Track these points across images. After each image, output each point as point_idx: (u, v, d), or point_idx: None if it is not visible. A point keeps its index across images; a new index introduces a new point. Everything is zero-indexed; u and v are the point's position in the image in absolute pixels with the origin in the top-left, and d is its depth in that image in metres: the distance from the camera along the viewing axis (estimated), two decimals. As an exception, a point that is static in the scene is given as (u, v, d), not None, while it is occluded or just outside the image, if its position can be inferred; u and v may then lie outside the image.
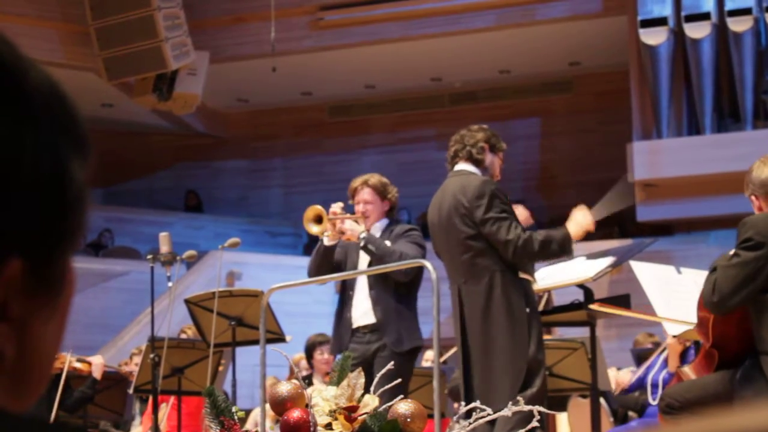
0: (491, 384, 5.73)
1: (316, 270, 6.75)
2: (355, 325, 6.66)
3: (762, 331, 4.57)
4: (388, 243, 6.63)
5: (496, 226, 5.78)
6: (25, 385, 0.89)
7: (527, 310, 5.78)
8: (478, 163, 6.06)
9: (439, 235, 6.06)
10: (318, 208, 6.70)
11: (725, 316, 4.77)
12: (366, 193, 6.79)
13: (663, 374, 7.72)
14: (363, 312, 6.65)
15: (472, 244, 5.84)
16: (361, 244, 6.57)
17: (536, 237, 5.80)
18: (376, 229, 6.75)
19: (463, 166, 6.09)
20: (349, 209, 6.88)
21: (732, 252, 4.66)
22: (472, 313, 5.82)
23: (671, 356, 7.60)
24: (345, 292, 6.82)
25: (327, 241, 6.71)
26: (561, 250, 5.87)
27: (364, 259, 6.73)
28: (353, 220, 6.70)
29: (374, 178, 6.85)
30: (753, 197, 4.77)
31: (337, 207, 6.75)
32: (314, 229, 6.70)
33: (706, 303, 4.65)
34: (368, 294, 6.63)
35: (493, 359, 5.74)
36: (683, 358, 7.54)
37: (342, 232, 6.66)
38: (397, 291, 6.60)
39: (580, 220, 6.00)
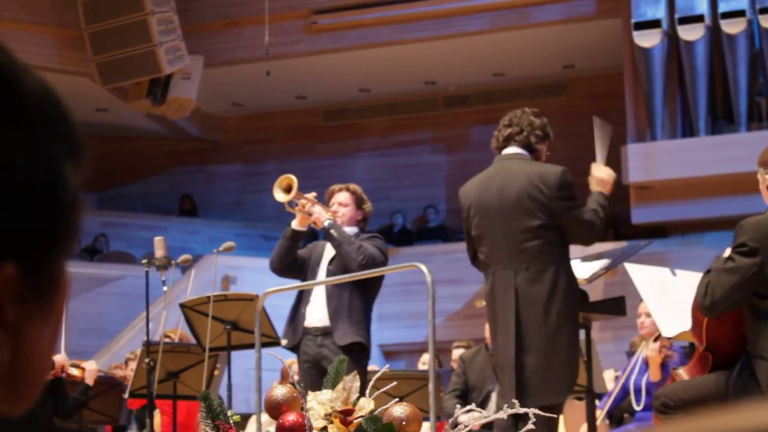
0: (552, 374, 5.60)
1: (279, 254, 6.88)
2: (307, 323, 6.74)
3: (757, 336, 4.57)
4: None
5: (578, 212, 5.75)
6: (19, 390, 0.89)
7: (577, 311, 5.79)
8: (531, 150, 5.97)
9: (495, 216, 5.82)
10: (291, 178, 6.84)
11: (719, 320, 4.78)
12: (343, 196, 6.95)
13: (645, 378, 7.72)
14: (317, 308, 6.74)
15: (544, 233, 5.70)
16: (325, 224, 6.69)
17: (598, 213, 5.83)
18: None
19: (515, 149, 5.93)
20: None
21: (726, 254, 4.66)
22: (532, 301, 5.65)
23: (652, 367, 7.62)
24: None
25: (295, 225, 6.85)
26: (607, 211, 5.92)
27: (327, 255, 6.84)
28: (325, 211, 6.83)
29: (354, 186, 7.03)
30: None
31: (311, 195, 6.91)
32: (280, 196, 6.80)
33: (698, 305, 4.66)
34: (324, 288, 6.72)
35: (557, 349, 5.62)
36: (663, 367, 7.57)
37: (309, 214, 6.82)
38: (353, 290, 6.67)
39: (600, 175, 6.02)
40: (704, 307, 4.60)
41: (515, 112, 6.01)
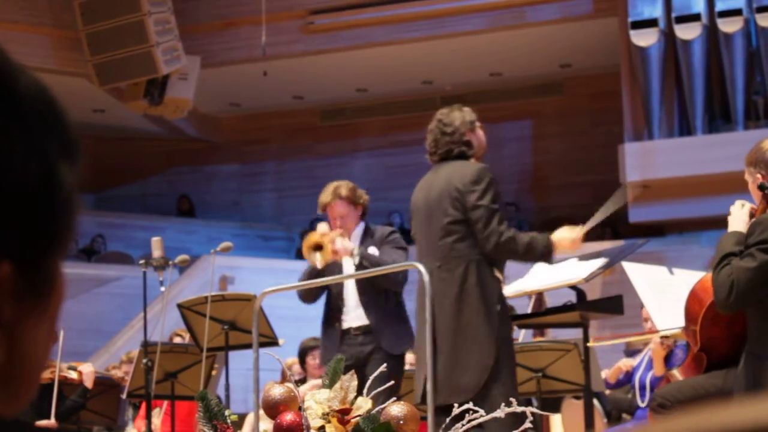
0: (457, 375, 5.65)
1: (308, 293, 6.78)
2: (346, 325, 6.68)
3: (763, 335, 4.53)
4: (375, 251, 6.68)
5: (486, 214, 5.69)
6: (14, 390, 0.89)
7: (498, 307, 5.73)
8: (461, 155, 5.97)
9: (422, 218, 5.93)
10: (315, 237, 6.65)
11: (714, 320, 4.76)
12: (339, 206, 6.76)
13: (650, 375, 7.73)
14: (353, 309, 6.68)
15: (455, 229, 5.73)
16: (356, 261, 6.60)
17: (521, 238, 5.72)
18: (356, 237, 6.78)
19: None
20: (323, 218, 6.92)
21: (744, 248, 4.59)
22: (443, 300, 5.67)
23: (656, 360, 7.61)
24: (333, 301, 6.78)
25: (319, 265, 6.68)
26: (541, 257, 5.81)
27: (347, 266, 6.75)
28: (341, 237, 6.70)
29: (343, 188, 6.80)
30: (759, 175, 4.70)
31: (322, 228, 6.74)
32: (318, 259, 6.61)
33: (719, 303, 4.58)
34: (359, 301, 6.66)
35: (461, 350, 5.65)
36: (667, 360, 7.56)
37: (335, 252, 6.66)
38: (387, 295, 6.64)
39: (567, 234, 5.94)
40: (727, 304, 4.53)
41: (433, 132, 5.95)
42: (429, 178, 6.01)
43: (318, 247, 6.62)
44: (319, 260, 6.64)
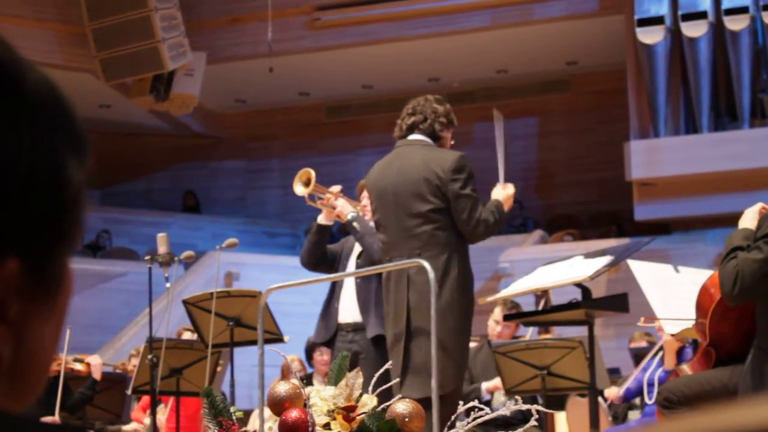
0: (439, 365, 5.60)
1: (307, 249, 6.85)
2: (341, 319, 6.72)
3: None
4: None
5: (471, 203, 5.70)
6: (22, 386, 0.89)
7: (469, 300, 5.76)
8: (436, 138, 5.94)
9: (390, 201, 5.85)
10: (310, 172, 6.84)
11: (723, 315, 4.76)
12: None
13: (659, 373, 7.72)
14: (348, 302, 6.71)
15: (436, 217, 5.70)
16: (348, 217, 6.64)
17: (494, 214, 5.81)
18: None
19: (418, 136, 5.91)
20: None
21: (753, 242, 4.59)
22: (423, 289, 5.58)
23: (668, 354, 7.59)
24: (334, 282, 6.89)
25: (321, 220, 6.81)
26: (499, 223, 5.90)
27: (357, 249, 6.80)
28: (350, 204, 6.78)
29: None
30: None
31: (336, 188, 6.87)
32: (300, 189, 6.83)
33: (725, 294, 4.58)
34: (354, 282, 6.71)
35: (445, 339, 5.56)
36: (679, 356, 7.53)
37: (333, 207, 6.76)
38: (379, 282, 6.64)
39: (504, 194, 6.00)
40: (732, 295, 4.54)
41: (418, 100, 5.98)
42: (393, 160, 5.94)
43: (307, 183, 6.76)
44: (321, 216, 6.83)
